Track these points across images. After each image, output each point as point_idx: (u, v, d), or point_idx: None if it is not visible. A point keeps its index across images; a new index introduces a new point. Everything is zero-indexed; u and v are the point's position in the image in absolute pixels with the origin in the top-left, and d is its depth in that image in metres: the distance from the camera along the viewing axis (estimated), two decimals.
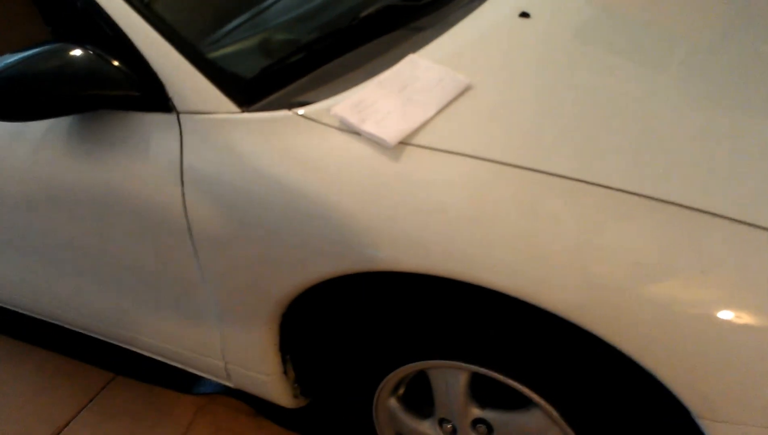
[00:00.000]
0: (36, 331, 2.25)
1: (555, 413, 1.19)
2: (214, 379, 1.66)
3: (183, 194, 1.32)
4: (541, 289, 1.04)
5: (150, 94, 1.34)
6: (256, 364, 1.50)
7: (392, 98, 1.25)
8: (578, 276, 1.01)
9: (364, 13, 1.46)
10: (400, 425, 1.46)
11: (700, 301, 0.97)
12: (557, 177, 1.08)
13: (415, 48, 1.38)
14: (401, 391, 1.43)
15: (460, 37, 1.42)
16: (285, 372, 1.51)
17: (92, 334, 1.87)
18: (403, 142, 1.18)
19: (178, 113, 1.33)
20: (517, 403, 1.26)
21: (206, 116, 1.31)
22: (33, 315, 1.99)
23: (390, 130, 1.18)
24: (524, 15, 1.46)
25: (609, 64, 1.35)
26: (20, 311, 2.02)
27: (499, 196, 1.09)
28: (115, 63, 1.34)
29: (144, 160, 1.35)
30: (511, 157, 1.12)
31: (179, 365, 1.71)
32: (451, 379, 1.30)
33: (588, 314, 1.02)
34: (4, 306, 2.06)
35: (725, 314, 0.95)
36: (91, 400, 2.02)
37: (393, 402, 1.44)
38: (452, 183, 1.12)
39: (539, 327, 1.14)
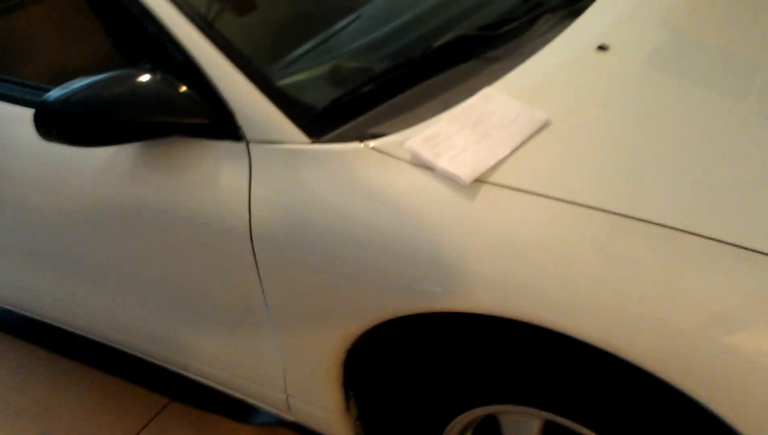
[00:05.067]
0: (91, 351, 2.24)
1: None
2: (273, 410, 1.64)
3: (250, 222, 1.30)
4: (618, 337, 1.00)
5: (219, 122, 1.32)
6: (318, 398, 1.47)
7: (467, 133, 1.22)
8: (658, 325, 0.98)
9: (437, 43, 1.43)
10: None
11: None
12: (638, 221, 1.05)
13: (490, 80, 1.35)
14: None
15: (536, 70, 1.38)
16: (347, 409, 1.47)
17: (148, 358, 1.85)
18: (479, 180, 1.14)
19: (247, 142, 1.31)
20: None
21: (276, 146, 1.29)
22: (88, 336, 1.99)
23: (465, 167, 1.15)
24: (602, 48, 1.42)
25: (691, 99, 1.31)
26: (76, 332, 2.02)
27: (577, 239, 1.06)
28: (184, 89, 1.32)
29: (212, 188, 1.34)
30: (589, 198, 1.09)
31: (237, 395, 1.69)
32: (524, 426, 1.26)
33: (667, 365, 0.98)
34: (61, 326, 2.06)
35: None
36: (144, 427, 2.00)
37: None
38: (528, 224, 1.09)
39: (621, 376, 1.09)
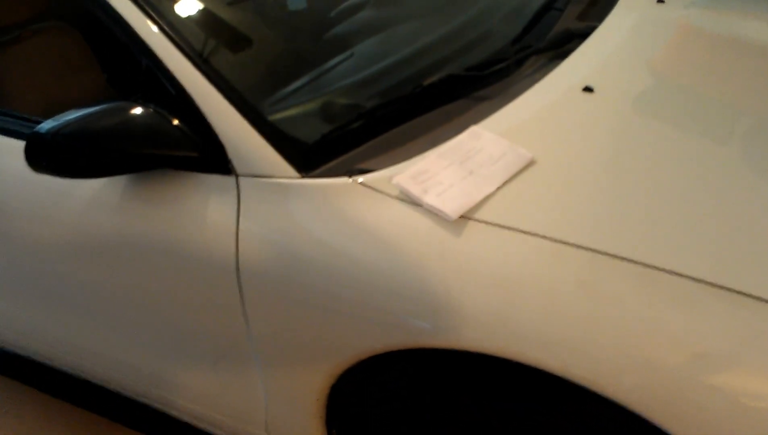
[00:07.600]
0: (68, 386, 2.20)
1: None
2: None
3: (237, 256, 1.30)
4: (602, 376, 1.01)
5: (209, 156, 1.33)
6: None
7: (454, 170, 1.24)
8: (642, 364, 0.99)
9: (426, 82, 1.46)
10: None
11: None
12: (622, 260, 1.06)
13: (477, 119, 1.37)
14: None
15: (523, 110, 1.41)
16: None
17: (128, 394, 1.83)
18: (465, 217, 1.16)
19: (237, 175, 1.32)
20: None
21: (265, 180, 1.30)
22: (65, 370, 1.96)
23: (452, 204, 1.17)
24: (588, 90, 1.45)
25: (673, 142, 1.33)
26: (53, 365, 1.99)
27: (561, 276, 1.07)
28: (176, 122, 1.34)
29: (200, 221, 1.34)
30: (572, 236, 1.10)
31: (218, 432, 1.67)
32: None
33: (650, 404, 0.99)
34: (36, 359, 2.03)
35: None
36: None
37: None
38: (513, 260, 1.10)
39: (605, 414, 1.09)
